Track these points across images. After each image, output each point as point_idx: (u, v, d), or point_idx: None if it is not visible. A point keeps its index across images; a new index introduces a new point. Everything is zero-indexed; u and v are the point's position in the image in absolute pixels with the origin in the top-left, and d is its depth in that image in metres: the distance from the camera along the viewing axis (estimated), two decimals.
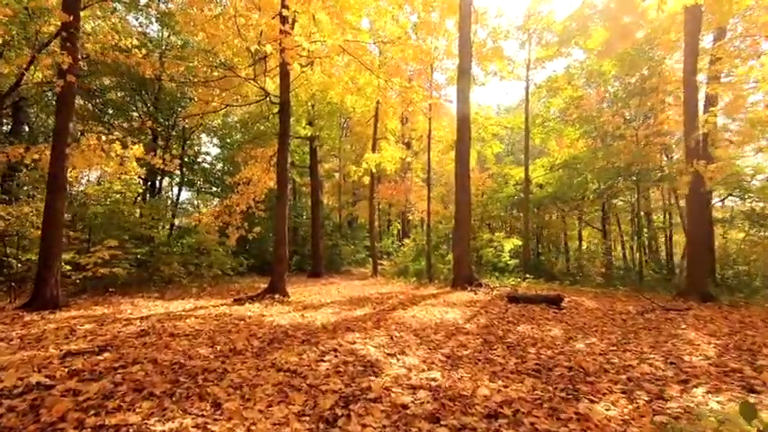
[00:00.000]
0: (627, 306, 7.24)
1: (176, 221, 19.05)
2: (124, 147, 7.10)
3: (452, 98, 10.16)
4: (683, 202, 20.31)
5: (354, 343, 4.40)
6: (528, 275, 11.96)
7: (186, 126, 17.55)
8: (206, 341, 4.39)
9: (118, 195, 10.18)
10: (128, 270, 8.98)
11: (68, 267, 7.70)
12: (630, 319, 5.99)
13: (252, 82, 7.75)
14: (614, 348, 4.32)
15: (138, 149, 7.16)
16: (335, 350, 4.11)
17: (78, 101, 15.73)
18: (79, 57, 5.85)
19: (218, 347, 4.15)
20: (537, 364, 3.77)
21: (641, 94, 14.03)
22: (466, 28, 11.10)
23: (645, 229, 22.04)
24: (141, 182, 10.87)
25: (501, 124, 15.62)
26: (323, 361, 3.75)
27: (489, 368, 3.68)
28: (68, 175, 7.51)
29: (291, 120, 14.00)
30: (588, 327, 5.45)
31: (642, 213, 21.80)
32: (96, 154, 6.95)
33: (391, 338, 4.75)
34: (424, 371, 3.58)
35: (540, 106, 15.71)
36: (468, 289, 9.80)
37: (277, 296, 7.79)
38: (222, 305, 7.12)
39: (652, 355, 4.00)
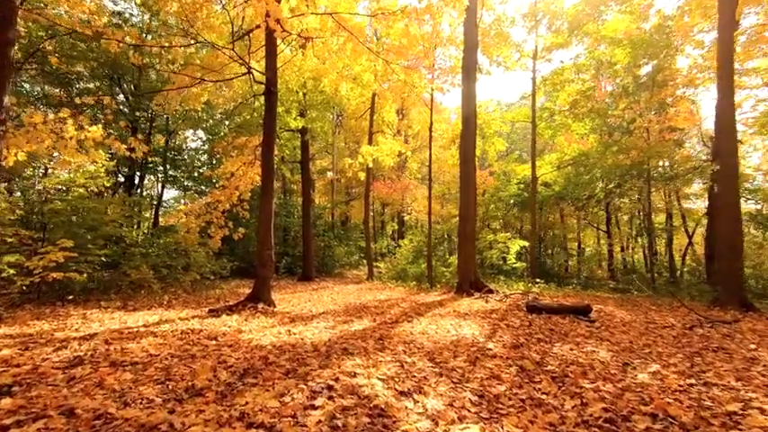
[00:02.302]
0: (665, 317, 6.32)
1: (162, 221, 17.79)
2: (80, 128, 5.96)
3: (456, 86, 9.18)
4: (684, 203, 19.78)
5: (355, 375, 3.36)
6: (538, 280, 11.05)
7: (166, 115, 16.42)
8: (157, 374, 3.31)
9: (81, 189, 8.97)
10: (89, 274, 7.80)
11: (12, 271, 6.51)
12: (681, 335, 5.04)
13: (233, 54, 6.66)
14: (691, 381, 3.35)
15: (96, 131, 6.02)
16: (330, 387, 3.06)
17: (51, 89, 14.52)
18: (17, 8, 4.70)
19: (172, 384, 3.07)
20: (605, 408, 2.77)
21: (652, 87, 13.28)
22: (472, 11, 10.15)
23: (649, 230, 21.43)
24: (108, 175, 9.64)
25: (505, 119, 14.72)
26: (312, 407, 2.70)
27: (543, 417, 2.67)
28: (11, 160, 6.34)
29: (281, 110, 12.91)
30: (638, 347, 4.49)
31: (645, 214, 21.18)
32: (45, 134, 5.80)
33: (401, 366, 3.71)
34: (453, 422, 2.56)
35: (546, 101, 14.87)
36: (476, 295, 8.82)
37: (261, 305, 6.69)
38: (194, 317, 6.00)
39: (750, 394, 3.03)
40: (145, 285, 8.43)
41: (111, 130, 13.16)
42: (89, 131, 5.97)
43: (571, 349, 4.37)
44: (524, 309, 6.74)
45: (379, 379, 3.31)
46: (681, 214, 18.85)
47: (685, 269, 17.24)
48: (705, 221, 20.29)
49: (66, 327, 5.11)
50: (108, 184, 9.18)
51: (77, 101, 6.29)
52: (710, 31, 12.71)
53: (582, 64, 13.40)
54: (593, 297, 9.32)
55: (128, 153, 6.30)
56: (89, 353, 3.84)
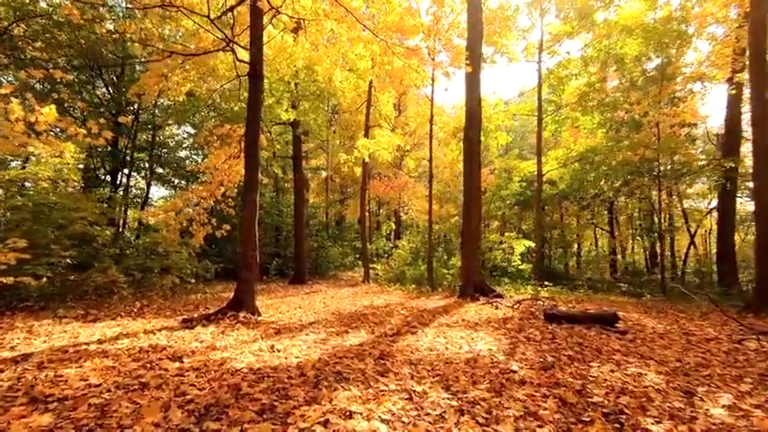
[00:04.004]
0: (701, 327, 5.60)
1: (151, 220, 16.83)
2: (29, 108, 5.10)
3: (462, 68, 8.45)
4: (685, 203, 19.30)
5: (350, 415, 2.57)
6: (546, 283, 10.33)
7: (151, 108, 15.51)
8: (88, 415, 2.49)
9: (46, 183, 8.08)
10: (50, 278, 6.92)
11: None
12: (733, 350, 4.32)
13: (214, 29, 5.85)
14: None
15: (49, 113, 5.17)
16: None
17: (24, 77, 13.55)
18: None
19: None
20: None
21: (661, 81, 12.65)
22: None
23: (658, 231, 20.86)
24: (78, 168, 8.75)
25: (509, 112, 14.02)
26: None
27: None
28: None
29: (271, 101, 12.08)
30: (690, 367, 3.74)
31: (647, 214, 20.66)
32: None
33: (410, 398, 2.93)
34: None
35: (550, 95, 14.19)
36: (482, 300, 8.07)
37: (242, 314, 5.86)
38: (162, 329, 5.16)
39: None
40: (115, 290, 7.54)
41: (95, 122, 12.27)
42: (41, 113, 5.10)
43: (612, 371, 3.61)
44: (541, 317, 5.99)
45: (382, 420, 2.52)
46: (683, 214, 18.37)
47: (687, 270, 16.75)
48: (707, 222, 19.88)
49: (0, 344, 4.24)
50: (76, 178, 8.28)
51: (23, 75, 5.40)
52: (725, 22, 12.15)
53: (590, 56, 12.74)
54: (609, 302, 8.62)
55: (89, 139, 5.44)
56: (8, 383, 3.00)
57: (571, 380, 3.36)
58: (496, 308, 7.11)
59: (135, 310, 6.67)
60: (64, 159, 8.10)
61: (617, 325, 5.40)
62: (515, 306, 7.06)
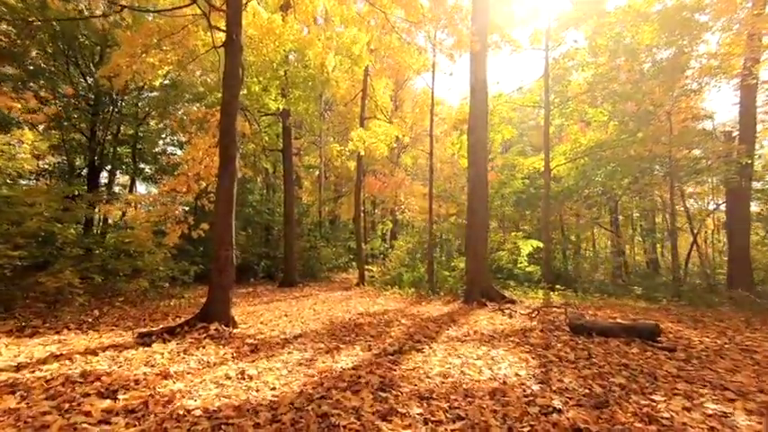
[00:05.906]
0: (758, 340, 4.76)
1: (117, 214, 15.75)
2: None
3: (462, 63, 7.62)
4: (687, 202, 18.72)
5: None
6: (558, 286, 9.49)
7: (133, 100, 14.49)
8: None
9: None
10: None
11: None
12: None
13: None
14: None
15: None
16: None
17: None
18: None
19: None
20: None
21: (673, 72, 11.93)
22: None
23: (656, 231, 20.22)
24: (36, 158, 7.72)
25: (513, 103, 13.20)
26: None
27: None
28: None
29: (258, 88, 11.13)
30: None
31: (645, 213, 20.05)
32: None
33: None
34: None
35: (556, 86, 13.45)
36: (491, 306, 7.21)
37: (214, 326, 4.92)
38: (110, 347, 4.19)
39: None
40: (70, 296, 6.52)
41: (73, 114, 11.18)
42: None
43: (687, 409, 2.74)
44: (566, 328, 5.13)
45: None
46: (687, 214, 17.78)
47: (690, 272, 16.13)
48: (709, 222, 19.28)
49: None
50: (30, 167, 7.27)
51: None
52: (742, 8, 11.45)
53: (598, 45, 11.99)
54: (630, 308, 7.79)
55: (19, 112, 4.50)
56: None
57: (640, 425, 2.49)
58: (510, 316, 6.23)
59: (90, 321, 5.68)
60: (10, 149, 7.10)
61: (659, 339, 4.56)
62: (533, 314, 6.19)
